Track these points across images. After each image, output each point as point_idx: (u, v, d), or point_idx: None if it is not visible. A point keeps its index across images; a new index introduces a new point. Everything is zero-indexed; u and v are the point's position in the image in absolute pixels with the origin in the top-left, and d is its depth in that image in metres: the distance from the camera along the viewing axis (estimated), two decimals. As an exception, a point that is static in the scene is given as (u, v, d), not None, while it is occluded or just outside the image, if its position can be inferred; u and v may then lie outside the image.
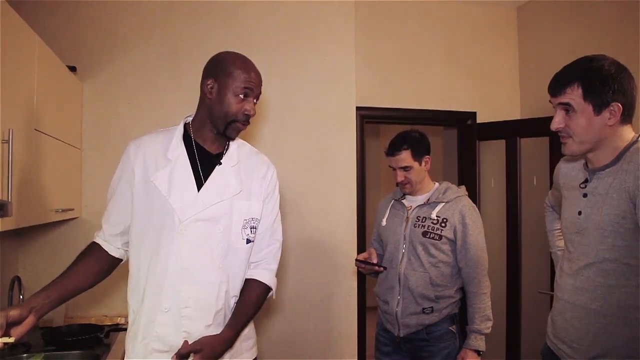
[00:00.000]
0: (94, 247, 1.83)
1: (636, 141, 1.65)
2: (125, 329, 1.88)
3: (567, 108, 1.64)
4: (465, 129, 4.12)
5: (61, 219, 2.67)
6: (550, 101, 1.72)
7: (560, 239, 2.18)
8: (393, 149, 2.59)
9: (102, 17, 3.20)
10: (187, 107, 3.21)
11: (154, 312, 1.70)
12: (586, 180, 1.76)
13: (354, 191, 3.58)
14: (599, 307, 1.65)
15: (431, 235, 2.49)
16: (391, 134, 7.32)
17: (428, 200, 2.58)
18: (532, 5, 4.04)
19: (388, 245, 2.64)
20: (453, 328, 2.53)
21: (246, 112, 1.75)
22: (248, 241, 1.82)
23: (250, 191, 1.83)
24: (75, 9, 3.15)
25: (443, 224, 2.49)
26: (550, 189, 2.21)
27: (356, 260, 2.65)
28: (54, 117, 2.46)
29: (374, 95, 3.85)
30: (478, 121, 4.06)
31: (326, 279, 3.49)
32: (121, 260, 1.88)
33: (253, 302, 1.82)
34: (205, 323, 1.71)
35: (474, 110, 4.07)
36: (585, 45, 3.42)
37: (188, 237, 1.70)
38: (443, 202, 2.53)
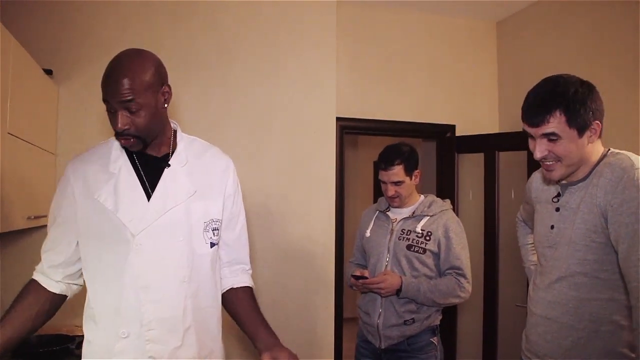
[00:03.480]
0: (32, 286, 1.65)
1: (606, 154, 1.68)
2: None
3: (551, 137, 1.62)
4: (444, 142, 4.14)
5: (33, 226, 2.60)
6: (526, 130, 1.69)
7: (533, 254, 2.20)
8: (387, 164, 2.52)
9: (79, 20, 3.15)
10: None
11: (111, 341, 1.55)
12: (558, 195, 1.77)
13: (333, 201, 3.57)
14: (571, 321, 1.67)
15: (415, 249, 2.48)
16: (370, 145, 7.36)
17: (413, 213, 2.57)
18: (511, 20, 4.09)
19: (371, 256, 2.63)
20: (434, 339, 2.52)
21: (116, 129, 1.52)
22: (212, 245, 1.68)
23: (207, 190, 1.68)
24: (52, 12, 3.10)
25: (427, 238, 2.48)
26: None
27: (352, 276, 2.57)
28: (28, 121, 2.40)
29: (354, 106, 3.86)
30: (457, 134, 4.09)
31: (304, 288, 3.46)
32: (65, 297, 1.70)
33: (256, 306, 1.74)
34: (174, 345, 1.57)
35: (453, 123, 4.10)
36: (563, 60, 3.47)
37: (144, 252, 1.55)
38: (428, 216, 2.53)
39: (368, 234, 2.69)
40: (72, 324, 2.96)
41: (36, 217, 2.52)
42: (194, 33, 3.33)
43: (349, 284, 2.65)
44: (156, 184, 1.61)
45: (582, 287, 1.64)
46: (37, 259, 3.03)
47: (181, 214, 1.61)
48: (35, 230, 2.96)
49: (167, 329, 1.57)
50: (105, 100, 1.52)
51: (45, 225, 2.93)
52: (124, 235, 1.55)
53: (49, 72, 2.89)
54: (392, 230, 2.58)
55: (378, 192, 6.59)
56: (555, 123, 1.59)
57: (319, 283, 3.48)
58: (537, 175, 1.98)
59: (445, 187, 4.10)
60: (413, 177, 2.57)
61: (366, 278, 2.50)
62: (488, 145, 3.94)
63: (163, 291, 1.57)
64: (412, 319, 2.46)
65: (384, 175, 2.55)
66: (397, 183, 2.53)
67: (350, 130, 3.91)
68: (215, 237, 1.69)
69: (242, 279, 1.79)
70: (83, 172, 1.62)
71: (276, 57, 3.48)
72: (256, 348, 1.63)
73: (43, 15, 3.08)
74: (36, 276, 1.68)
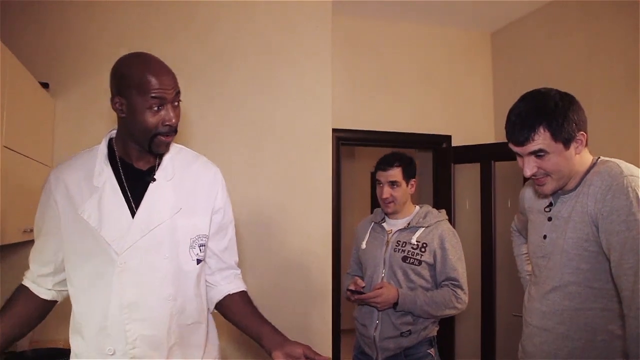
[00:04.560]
0: (22, 291, 1.65)
1: (595, 163, 1.68)
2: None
3: (539, 153, 1.62)
4: (440, 152, 4.15)
5: (29, 239, 2.59)
6: (513, 149, 1.69)
7: (528, 263, 2.20)
8: (385, 164, 2.56)
9: (75, 33, 3.16)
10: (162, 126, 3.21)
11: (97, 357, 1.54)
12: (550, 204, 1.78)
13: (330, 212, 3.57)
14: (566, 331, 1.66)
15: (411, 261, 2.47)
16: (367, 156, 7.36)
17: (408, 224, 2.56)
18: (505, 31, 4.12)
19: (367, 268, 2.62)
20: (431, 351, 2.50)
21: (166, 123, 1.52)
22: (199, 261, 1.63)
23: (194, 205, 1.63)
24: (48, 25, 3.11)
25: (423, 249, 2.48)
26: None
27: (348, 290, 2.56)
28: (24, 133, 2.40)
29: (350, 118, 3.87)
30: (453, 144, 4.11)
31: (301, 300, 3.45)
32: (55, 302, 1.71)
33: (255, 308, 1.71)
34: None
35: (449, 134, 4.12)
36: (558, 70, 3.50)
37: (129, 270, 1.51)
38: (423, 227, 2.52)
39: (364, 245, 2.68)
40: (67, 337, 2.93)
41: (32, 230, 2.50)
42: (190, 45, 3.35)
43: (345, 296, 2.64)
44: (141, 199, 1.56)
45: (576, 297, 1.64)
46: (33, 272, 3.01)
47: (166, 231, 1.56)
48: (32, 243, 2.95)
49: (153, 346, 1.54)
50: (155, 97, 1.49)
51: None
52: (108, 254, 1.52)
53: (45, 85, 2.89)
54: (387, 241, 2.57)
55: (375, 203, 6.59)
56: (541, 139, 1.59)
57: (316, 294, 3.47)
58: (529, 186, 1.98)
59: (442, 198, 4.10)
60: (409, 185, 2.58)
61: (362, 292, 2.49)
62: (484, 155, 3.95)
63: (148, 309, 1.53)
64: (409, 330, 2.45)
65: (381, 176, 2.57)
66: (394, 184, 2.54)
67: (346, 142, 3.92)
68: (201, 254, 1.65)
69: (237, 285, 1.77)
70: (65, 184, 1.57)
71: (272, 69, 3.49)
72: (264, 348, 1.61)
73: (39, 28, 3.09)
74: (26, 283, 1.67)
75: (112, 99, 1.55)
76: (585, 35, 3.30)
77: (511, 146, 1.69)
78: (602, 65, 3.17)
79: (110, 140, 1.65)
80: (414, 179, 2.60)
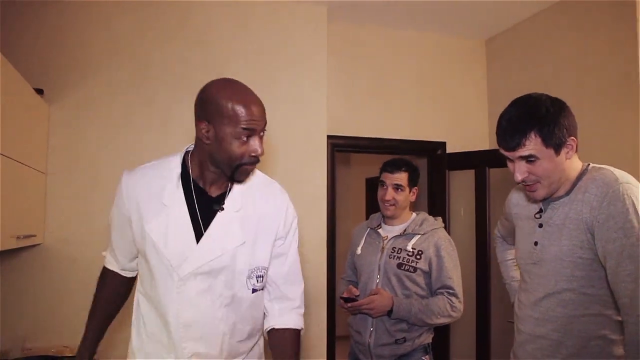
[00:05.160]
0: (108, 275, 1.80)
1: (586, 169, 1.68)
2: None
3: (529, 159, 1.62)
4: (435, 159, 4.16)
5: (22, 245, 2.58)
6: (504, 154, 1.70)
7: (515, 270, 2.21)
8: (393, 167, 2.57)
9: (70, 40, 3.16)
10: (158, 133, 3.21)
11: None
12: (541, 211, 1.77)
13: (325, 219, 3.57)
14: (560, 338, 1.66)
15: (406, 267, 2.47)
16: (362, 162, 7.36)
17: (404, 231, 2.56)
18: (500, 38, 4.14)
19: (362, 274, 2.62)
20: (426, 358, 2.50)
21: (253, 154, 1.54)
22: (254, 290, 1.66)
23: (257, 237, 1.64)
24: (43, 31, 3.10)
25: (418, 256, 2.48)
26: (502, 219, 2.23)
27: (341, 298, 2.56)
28: (18, 140, 2.39)
29: (345, 124, 3.87)
30: (447, 151, 4.11)
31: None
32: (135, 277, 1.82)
33: (293, 354, 1.67)
34: None
35: (443, 140, 4.12)
36: (552, 77, 3.52)
37: (187, 293, 1.56)
38: (419, 234, 2.53)
39: (359, 251, 2.68)
40: (60, 344, 2.93)
41: (26, 237, 2.50)
42: (184, 53, 3.35)
43: (339, 304, 2.64)
44: (207, 225, 1.58)
45: (570, 303, 1.64)
46: (26, 279, 3.01)
47: (227, 260, 1.59)
48: (25, 250, 2.94)
49: None
50: (245, 128, 1.51)
51: (36, 245, 2.93)
52: (169, 273, 1.56)
53: (40, 91, 2.89)
54: (382, 248, 2.57)
55: (370, 209, 6.60)
56: (532, 145, 1.59)
57: (311, 301, 3.45)
58: (516, 192, 1.98)
59: (437, 204, 4.11)
60: (412, 192, 2.60)
61: (355, 299, 2.49)
62: (479, 161, 3.96)
63: (202, 329, 1.58)
64: (404, 337, 2.44)
65: (387, 177, 2.58)
66: (398, 187, 2.55)
67: (341, 148, 3.92)
68: (258, 284, 1.67)
69: (287, 320, 1.71)
70: (137, 198, 1.59)
71: (267, 76, 3.50)
72: None
73: (34, 35, 3.08)
74: (111, 267, 1.79)
75: (197, 124, 1.55)
76: (579, 42, 3.32)
77: (502, 151, 1.69)
78: (595, 72, 3.19)
79: (185, 156, 1.66)
80: (416, 187, 2.62)
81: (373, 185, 6.75)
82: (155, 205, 1.57)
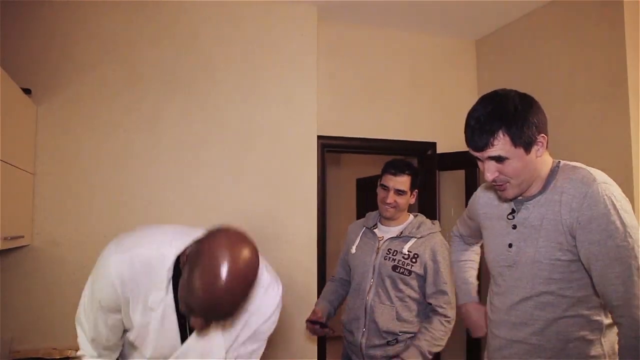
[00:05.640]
0: None
1: (558, 166, 1.64)
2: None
3: (499, 159, 1.57)
4: (425, 159, 4.16)
5: (10, 246, 2.56)
6: (473, 154, 1.64)
7: (468, 271, 2.18)
8: (396, 169, 2.52)
9: (59, 38, 3.13)
10: (146, 133, 3.20)
11: None
12: (513, 211, 1.71)
13: (315, 220, 3.56)
14: (539, 341, 1.63)
15: (401, 270, 2.46)
16: (352, 162, 7.32)
17: (401, 233, 2.54)
18: (490, 38, 4.16)
19: (356, 274, 2.60)
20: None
21: (193, 326, 1.36)
22: None
23: (236, 339, 1.55)
24: (30, 31, 3.08)
25: (414, 260, 2.47)
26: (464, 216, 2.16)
27: (307, 321, 2.59)
28: (5, 140, 2.36)
29: (335, 125, 3.87)
30: (438, 151, 4.12)
31: (286, 307, 3.41)
32: None
33: None
34: None
35: (434, 141, 4.13)
36: (542, 77, 3.53)
37: None
38: (415, 238, 2.51)
39: (354, 250, 2.65)
40: (49, 346, 2.90)
41: (13, 238, 2.48)
42: (174, 53, 3.33)
43: (305, 326, 2.64)
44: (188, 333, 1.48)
45: (548, 306, 1.60)
46: (14, 281, 2.97)
47: None
48: (13, 251, 2.92)
49: None
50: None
51: (24, 246, 2.90)
52: None
53: (27, 91, 2.86)
54: (378, 248, 2.55)
55: (361, 210, 6.59)
56: (500, 145, 1.54)
57: (301, 302, 3.45)
58: (484, 191, 1.92)
59: (427, 204, 4.11)
60: (412, 195, 2.58)
61: (321, 323, 2.52)
62: (469, 162, 3.91)
63: None
64: (396, 338, 2.44)
65: (390, 181, 2.52)
66: (400, 192, 2.51)
67: (331, 149, 3.92)
68: None
69: None
70: (127, 290, 1.41)
71: (257, 76, 3.49)
72: None
73: (21, 34, 3.05)
74: None
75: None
76: (569, 42, 3.34)
77: (471, 151, 1.63)
78: (585, 72, 3.21)
79: (177, 259, 1.44)
80: (417, 190, 2.60)
81: (364, 186, 6.77)
82: (141, 304, 1.43)
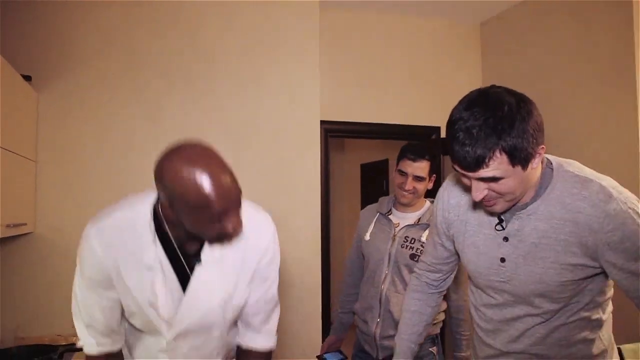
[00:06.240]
0: None
1: (550, 167, 1.44)
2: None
3: (492, 179, 1.31)
4: (429, 144, 4.14)
5: (12, 234, 2.55)
6: (458, 171, 1.38)
7: (418, 326, 1.89)
8: (415, 154, 2.37)
9: (60, 26, 3.10)
10: (147, 120, 3.18)
11: None
12: (502, 220, 1.49)
13: (318, 206, 3.54)
14: (541, 350, 1.54)
15: (419, 259, 2.38)
16: (356, 147, 7.29)
17: (419, 220, 2.41)
18: (495, 21, 4.11)
19: (370, 262, 2.47)
20: (433, 349, 2.42)
21: (228, 232, 1.33)
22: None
23: (242, 282, 1.51)
24: (31, 17, 3.05)
25: None
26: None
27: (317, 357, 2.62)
28: (6, 127, 2.35)
29: (338, 110, 3.84)
30: (442, 136, 4.09)
31: (289, 296, 3.43)
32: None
33: None
34: None
35: (438, 125, 4.10)
36: (547, 61, 3.49)
37: (179, 351, 1.50)
38: None
39: (367, 237, 2.51)
40: (54, 333, 2.91)
41: (16, 225, 2.47)
42: (175, 42, 3.30)
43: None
44: (186, 282, 1.45)
45: (553, 318, 1.51)
46: (17, 268, 2.98)
47: (216, 314, 1.49)
48: (16, 239, 2.92)
49: None
50: (213, 221, 1.32)
51: (27, 233, 2.90)
52: (157, 338, 1.49)
53: (28, 78, 2.84)
54: (394, 236, 2.41)
55: (365, 196, 6.58)
56: (496, 164, 1.27)
57: (305, 289, 3.45)
58: (455, 190, 1.66)
59: (431, 188, 4.08)
60: (430, 180, 2.46)
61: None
62: (473, 146, 3.93)
63: None
64: None
65: (409, 167, 2.38)
66: (419, 178, 2.39)
67: (334, 134, 3.89)
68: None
69: (258, 340, 1.62)
70: (113, 255, 1.39)
71: (259, 62, 3.46)
72: None
73: (22, 21, 3.03)
74: (91, 348, 1.54)
75: (158, 194, 1.40)
76: (576, 26, 3.29)
77: (456, 168, 1.37)
78: (592, 56, 3.16)
79: (155, 207, 1.42)
80: (434, 175, 2.48)
81: (368, 171, 6.76)
82: (135, 265, 1.39)
